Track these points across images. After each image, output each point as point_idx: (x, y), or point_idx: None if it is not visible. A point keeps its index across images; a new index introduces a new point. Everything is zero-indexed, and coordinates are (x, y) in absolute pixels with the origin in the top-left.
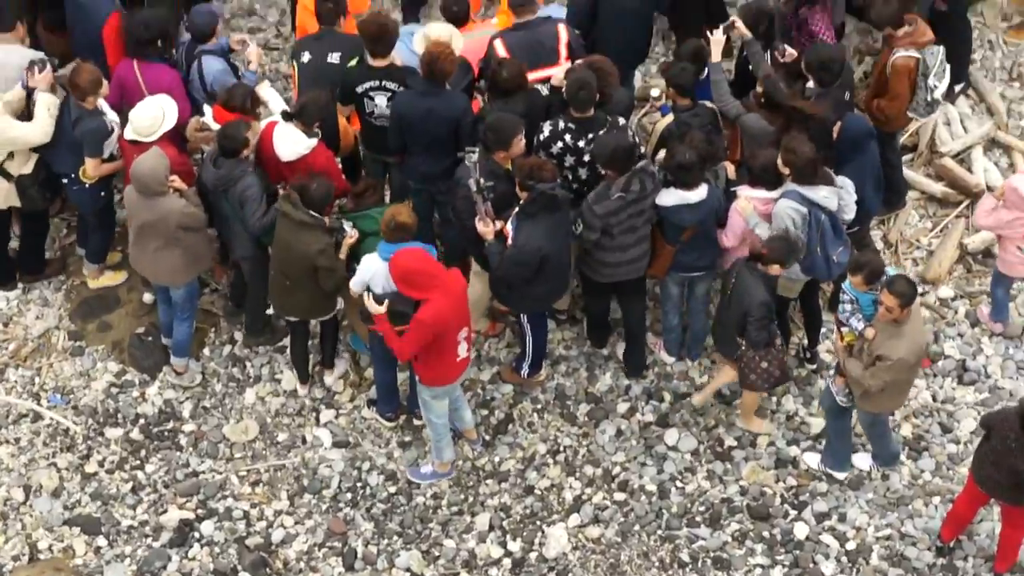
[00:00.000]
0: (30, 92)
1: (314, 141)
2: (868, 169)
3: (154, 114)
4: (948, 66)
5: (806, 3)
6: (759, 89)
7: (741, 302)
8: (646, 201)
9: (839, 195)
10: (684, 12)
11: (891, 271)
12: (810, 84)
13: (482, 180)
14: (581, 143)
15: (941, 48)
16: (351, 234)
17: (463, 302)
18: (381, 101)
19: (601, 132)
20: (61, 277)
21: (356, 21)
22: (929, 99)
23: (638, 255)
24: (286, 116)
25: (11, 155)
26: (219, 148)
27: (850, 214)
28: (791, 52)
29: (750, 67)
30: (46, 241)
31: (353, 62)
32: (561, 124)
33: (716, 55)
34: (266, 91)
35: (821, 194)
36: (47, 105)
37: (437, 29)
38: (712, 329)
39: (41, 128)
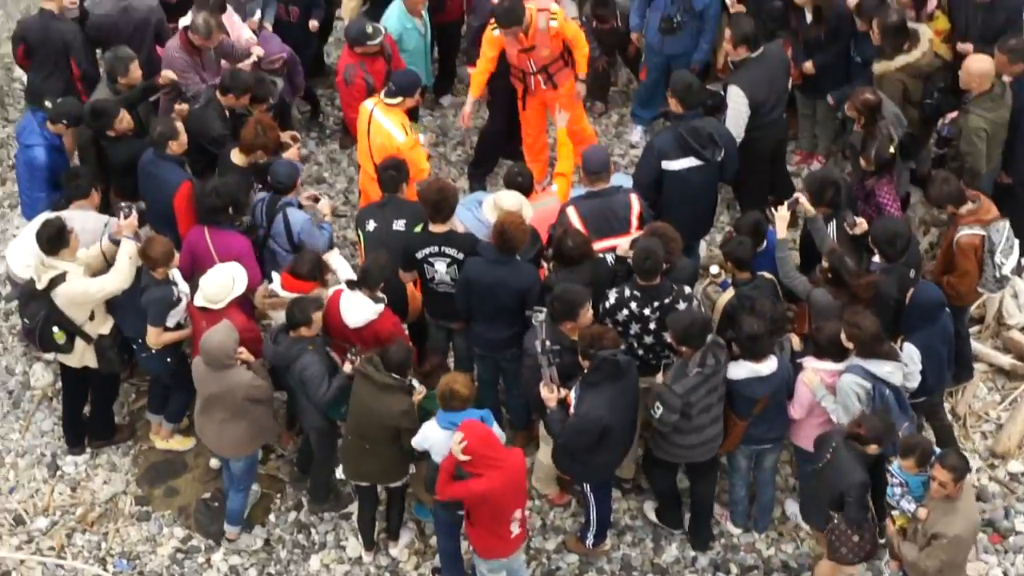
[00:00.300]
0: (116, 242)
1: (381, 307)
2: (938, 339)
3: (223, 282)
4: (1016, 241)
5: (872, 174)
6: (825, 264)
7: (838, 480)
8: (719, 376)
9: (904, 366)
10: (749, 183)
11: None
12: (876, 258)
13: (548, 342)
14: (647, 311)
15: (1007, 223)
16: (420, 390)
17: (520, 484)
18: (441, 267)
19: (667, 300)
20: (129, 442)
21: (417, 188)
22: (998, 275)
23: (713, 435)
24: (351, 284)
25: (92, 315)
26: (285, 318)
27: (913, 383)
28: (861, 223)
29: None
30: (115, 406)
31: (418, 228)
32: (627, 292)
33: (782, 231)
34: (334, 259)
35: (885, 369)
36: (129, 253)
37: (507, 198)
38: (801, 500)
39: (121, 276)
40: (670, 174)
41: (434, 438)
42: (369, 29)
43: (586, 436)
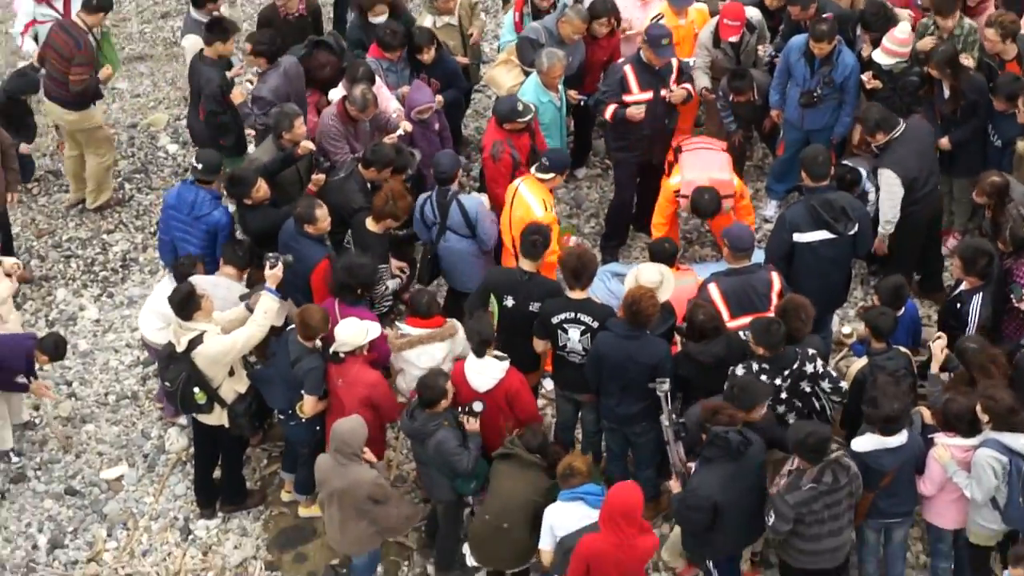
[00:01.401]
0: (250, 308)
1: (506, 364)
2: None
3: (357, 330)
4: None
5: (1010, 255)
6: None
7: None
8: (839, 494)
9: None
10: (900, 254)
11: None
12: None
13: (675, 416)
14: (778, 381)
15: None
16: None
17: (634, 567)
18: (575, 334)
19: (795, 366)
20: (260, 507)
21: (558, 256)
22: None
23: (836, 545)
24: (478, 353)
25: (231, 372)
26: (418, 398)
27: None
28: None
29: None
30: (246, 471)
31: None
32: (754, 367)
33: (935, 366)
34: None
35: (1022, 442)
36: (266, 308)
37: (648, 271)
38: None
39: (258, 327)
40: (801, 246)
41: (560, 513)
42: (520, 107)
43: (697, 513)
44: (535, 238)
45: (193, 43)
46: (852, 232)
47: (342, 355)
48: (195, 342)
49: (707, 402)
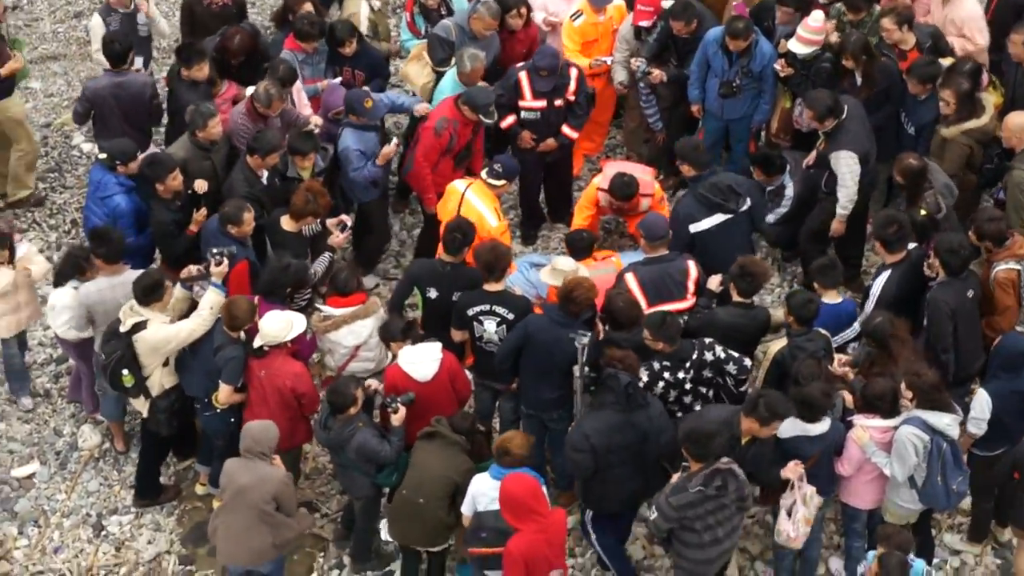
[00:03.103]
0: (187, 287)
1: (439, 345)
2: (1017, 394)
3: (282, 324)
4: None
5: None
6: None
7: None
8: (726, 498)
9: (958, 417)
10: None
11: None
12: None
13: (587, 369)
14: (680, 374)
15: None
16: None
17: (560, 543)
18: (491, 326)
19: (695, 356)
20: (174, 502)
21: (473, 250)
22: None
23: (718, 554)
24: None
25: (166, 362)
26: (328, 405)
27: (977, 430)
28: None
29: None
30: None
31: None
32: (656, 365)
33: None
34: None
35: (944, 421)
36: (212, 303)
37: (564, 261)
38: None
39: (201, 322)
40: (701, 235)
41: (483, 487)
42: (492, 109)
43: (576, 453)
44: (455, 235)
45: (96, 24)
46: (745, 208)
47: (266, 348)
48: (139, 326)
49: (614, 350)
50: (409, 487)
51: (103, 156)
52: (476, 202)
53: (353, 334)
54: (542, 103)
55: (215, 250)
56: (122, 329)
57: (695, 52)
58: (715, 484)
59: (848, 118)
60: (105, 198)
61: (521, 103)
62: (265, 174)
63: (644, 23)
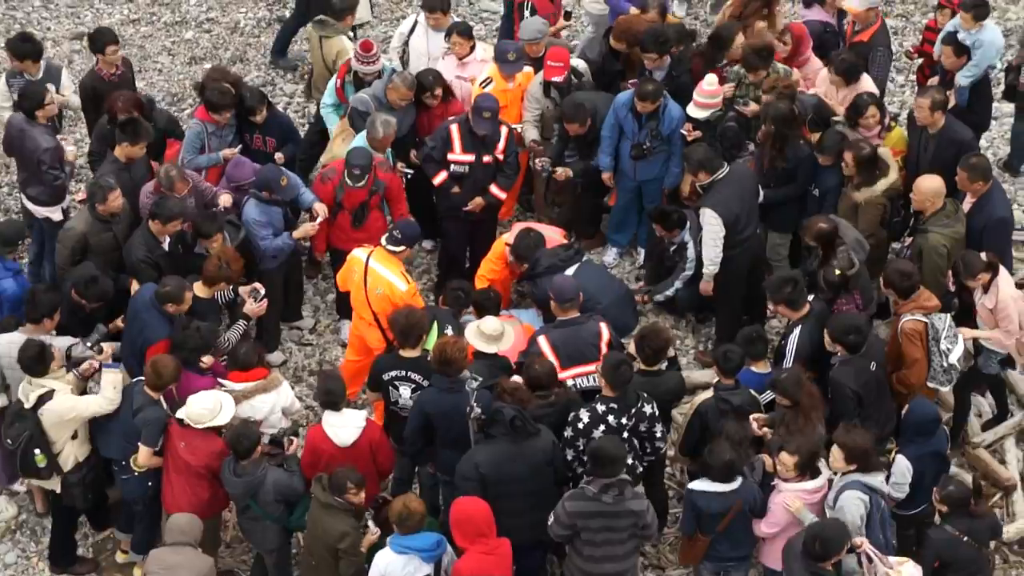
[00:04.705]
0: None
1: (364, 412)
2: (932, 455)
3: (210, 406)
4: (958, 331)
5: (832, 298)
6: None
7: None
8: (622, 520)
9: (894, 476)
10: (724, 300)
11: None
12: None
13: (481, 411)
14: (624, 419)
15: (947, 315)
16: (373, 531)
17: (507, 567)
18: (405, 392)
19: (637, 405)
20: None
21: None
22: (945, 364)
23: (613, 571)
24: (329, 406)
25: (75, 435)
26: (234, 453)
27: (899, 494)
28: None
29: None
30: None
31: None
32: (600, 408)
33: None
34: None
35: (878, 480)
36: (114, 383)
37: (490, 322)
38: None
39: (108, 402)
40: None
41: (394, 567)
42: (358, 170)
43: (464, 482)
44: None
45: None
46: None
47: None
48: (44, 398)
49: (506, 382)
50: (304, 545)
51: None
52: (381, 269)
53: (253, 409)
54: (471, 157)
55: (88, 343)
56: (27, 405)
57: (596, 143)
58: (606, 499)
59: (726, 180)
60: None
61: (450, 155)
62: (167, 240)
63: (556, 79)
